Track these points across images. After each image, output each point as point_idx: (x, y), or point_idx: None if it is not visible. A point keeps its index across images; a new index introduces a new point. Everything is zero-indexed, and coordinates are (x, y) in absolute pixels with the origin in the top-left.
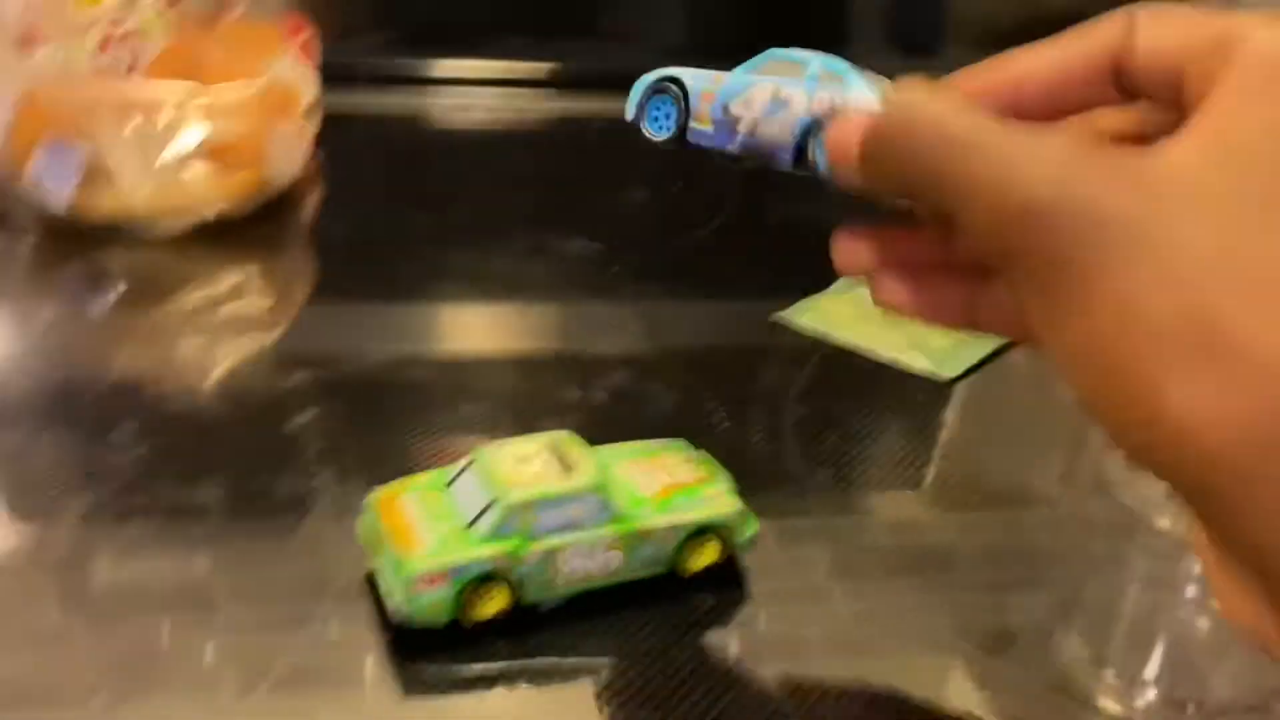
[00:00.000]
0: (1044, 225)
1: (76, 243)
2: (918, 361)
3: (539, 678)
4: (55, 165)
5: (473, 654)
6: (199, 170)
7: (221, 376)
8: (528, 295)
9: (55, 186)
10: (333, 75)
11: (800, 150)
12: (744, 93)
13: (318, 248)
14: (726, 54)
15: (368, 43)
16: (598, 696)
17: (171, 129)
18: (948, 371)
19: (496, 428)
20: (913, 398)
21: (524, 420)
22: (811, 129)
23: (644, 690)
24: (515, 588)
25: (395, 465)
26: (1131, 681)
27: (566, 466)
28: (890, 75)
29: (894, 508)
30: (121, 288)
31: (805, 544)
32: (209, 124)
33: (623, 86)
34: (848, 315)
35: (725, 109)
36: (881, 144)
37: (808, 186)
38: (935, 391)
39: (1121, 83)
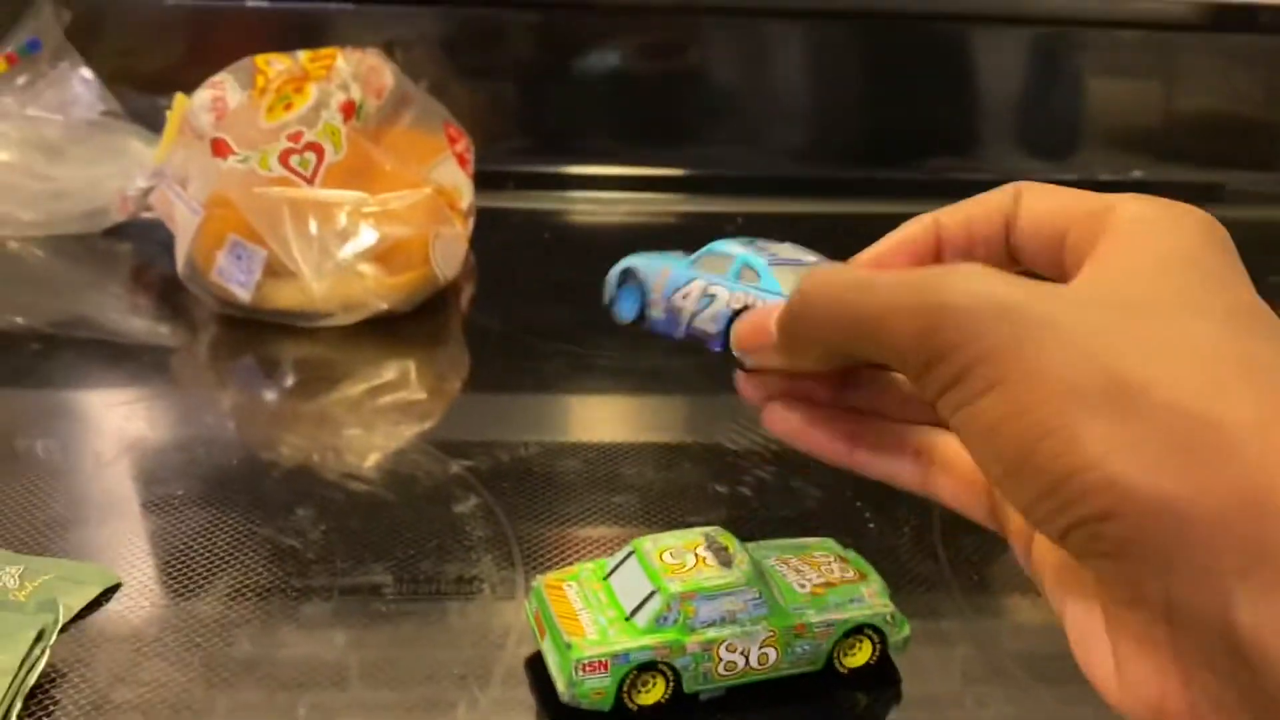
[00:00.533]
0: (962, 323)
1: (255, 334)
2: None
3: None
4: (239, 262)
5: None
6: (369, 270)
7: (383, 462)
8: (673, 389)
9: (239, 281)
10: (484, 178)
11: (726, 339)
12: (683, 287)
13: (473, 342)
14: (859, 159)
15: (514, 148)
16: None
17: (346, 232)
18: None
19: (647, 519)
20: None
21: (673, 512)
22: (732, 321)
23: None
24: (674, 677)
25: (553, 553)
26: None
27: (723, 561)
28: (1018, 177)
29: (1044, 610)
30: (295, 377)
31: (956, 647)
32: (380, 229)
33: (753, 190)
34: None
35: (669, 301)
36: (796, 321)
37: None
38: None
39: (1009, 246)
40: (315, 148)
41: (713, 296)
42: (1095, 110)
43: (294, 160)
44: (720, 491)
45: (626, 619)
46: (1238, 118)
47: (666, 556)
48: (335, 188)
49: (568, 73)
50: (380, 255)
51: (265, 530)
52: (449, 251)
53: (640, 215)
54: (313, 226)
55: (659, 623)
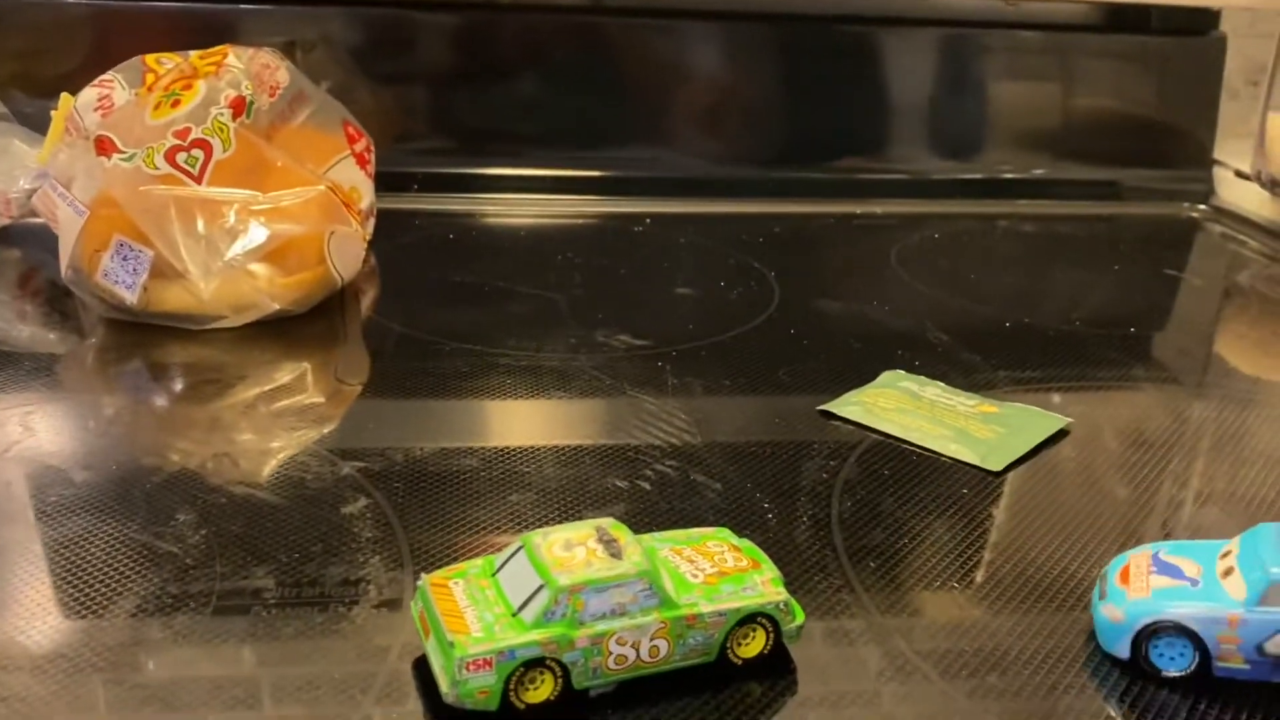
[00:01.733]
0: None
1: (144, 338)
2: (964, 454)
3: None
4: (125, 264)
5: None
6: (261, 269)
7: (278, 468)
8: (575, 389)
9: (125, 284)
10: (389, 180)
11: None
12: (1275, 635)
13: (372, 343)
14: (769, 160)
15: (419, 149)
16: None
17: (235, 231)
18: (994, 464)
19: (544, 517)
20: (959, 490)
21: (571, 510)
22: None
23: None
24: (563, 673)
25: (444, 554)
26: None
27: (614, 553)
28: (927, 176)
29: (944, 606)
30: (184, 381)
31: (853, 638)
32: (270, 227)
33: (667, 191)
34: (892, 407)
35: (1260, 649)
36: None
37: (852, 283)
38: (982, 483)
39: None
40: (203, 145)
41: None
42: (998, 111)
43: (181, 158)
44: (620, 486)
45: (514, 615)
46: (1133, 117)
47: (556, 550)
48: (225, 186)
49: (474, 75)
50: (272, 255)
51: (143, 537)
52: (345, 251)
53: (548, 217)
54: (200, 225)
55: (547, 617)
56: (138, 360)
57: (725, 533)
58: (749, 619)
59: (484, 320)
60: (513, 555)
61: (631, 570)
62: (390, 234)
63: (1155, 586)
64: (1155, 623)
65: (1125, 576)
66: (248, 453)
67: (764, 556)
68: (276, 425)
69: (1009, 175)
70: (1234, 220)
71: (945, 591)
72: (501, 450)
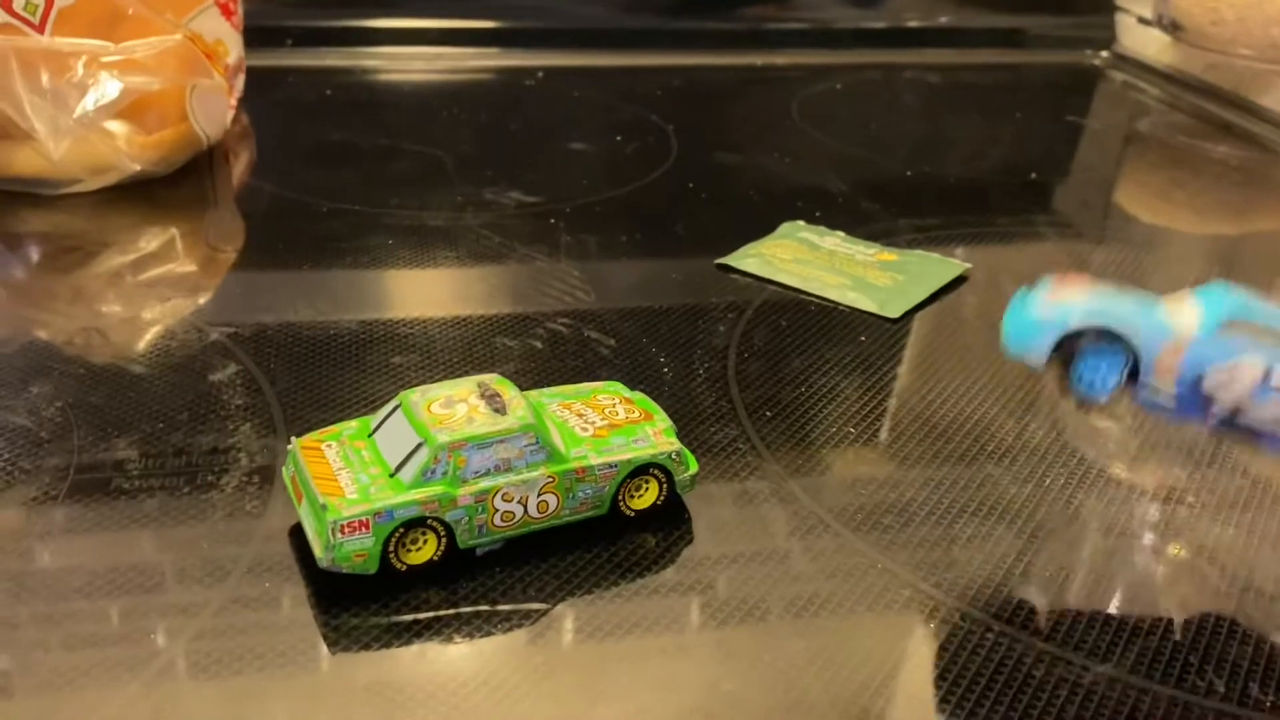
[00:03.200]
0: None
1: None
2: (861, 302)
3: (473, 624)
4: None
5: (405, 602)
6: (118, 128)
7: (142, 337)
8: (462, 248)
9: None
10: (260, 35)
11: None
12: (1224, 367)
13: (245, 206)
14: (667, 10)
15: (294, 1)
16: (532, 642)
17: (84, 85)
18: (891, 311)
19: (427, 379)
20: (856, 338)
21: (457, 371)
22: None
23: (583, 632)
24: (446, 533)
25: (320, 419)
26: (1089, 629)
27: (497, 408)
28: (831, 25)
29: (843, 457)
30: (39, 250)
31: (754, 497)
32: (124, 80)
33: (561, 43)
34: (790, 259)
35: (1196, 382)
36: None
37: (752, 136)
38: (880, 331)
39: None
40: None
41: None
42: None
43: (19, 4)
44: (510, 345)
45: (391, 475)
46: None
47: (435, 408)
48: (72, 37)
49: None
50: (129, 111)
51: None
52: (210, 107)
53: (433, 72)
54: (45, 79)
55: (426, 476)
56: None
57: (617, 386)
58: (641, 470)
59: (364, 180)
60: (390, 415)
61: (515, 425)
62: (263, 92)
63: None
64: (1078, 331)
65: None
66: (109, 323)
67: (656, 408)
68: (141, 294)
69: (914, 24)
70: (1135, 67)
71: (843, 442)
72: (383, 313)
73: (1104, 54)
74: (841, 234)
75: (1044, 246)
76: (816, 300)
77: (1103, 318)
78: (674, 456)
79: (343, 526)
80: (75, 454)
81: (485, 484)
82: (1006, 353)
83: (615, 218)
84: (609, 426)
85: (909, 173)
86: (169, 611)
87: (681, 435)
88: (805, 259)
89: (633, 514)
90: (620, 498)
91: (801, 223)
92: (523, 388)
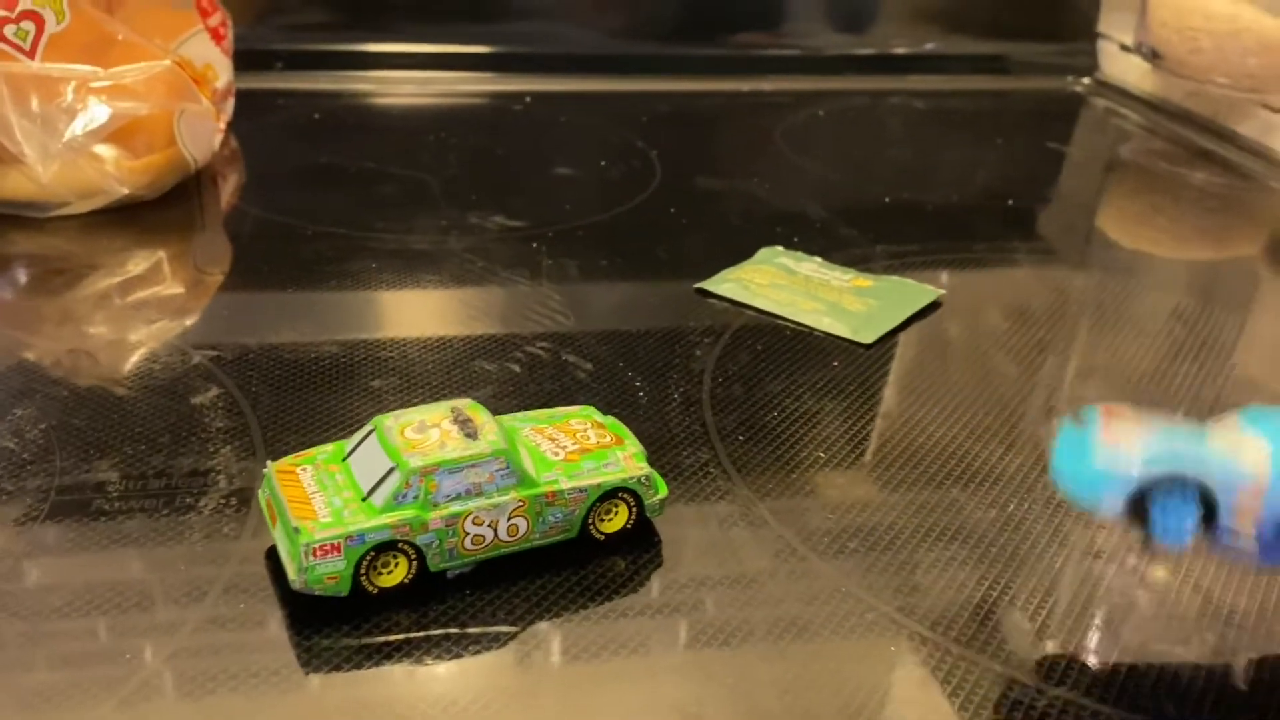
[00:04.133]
0: None
1: None
2: (836, 327)
3: (442, 647)
4: None
5: (377, 624)
6: (107, 152)
7: (126, 359)
8: (445, 272)
9: None
10: (250, 58)
11: None
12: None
13: (233, 229)
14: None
15: (283, 24)
16: (502, 664)
17: (74, 109)
18: (865, 337)
19: (407, 403)
20: (829, 364)
21: (436, 395)
22: None
23: (554, 655)
24: (418, 556)
25: (300, 442)
26: (1074, 653)
27: (469, 433)
28: (822, 51)
29: (813, 481)
30: (26, 273)
31: (723, 519)
32: (113, 105)
33: (550, 68)
34: (767, 284)
35: (1277, 524)
36: None
37: (735, 161)
38: (853, 357)
39: None
40: (33, 16)
41: None
42: None
43: (9, 31)
44: (488, 369)
45: (364, 499)
46: None
47: (409, 432)
48: (62, 62)
49: None
50: (118, 135)
51: None
52: (197, 131)
53: (421, 96)
54: (35, 104)
55: (398, 500)
56: None
57: (590, 410)
58: (611, 494)
59: (350, 203)
60: (364, 439)
61: (487, 449)
62: (251, 115)
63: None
64: (1148, 482)
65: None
66: (95, 345)
67: (627, 432)
68: (127, 317)
69: (900, 50)
70: (1117, 94)
71: (816, 466)
72: (364, 336)
73: (1086, 81)
74: (819, 259)
75: (1022, 271)
76: (792, 325)
77: (1175, 464)
78: (643, 481)
79: (315, 549)
80: (57, 475)
81: (456, 508)
82: (1071, 501)
83: (597, 242)
84: (580, 451)
85: (887, 199)
86: (147, 631)
87: (654, 459)
88: (782, 284)
89: (602, 537)
90: (590, 521)
91: (780, 248)
92: (500, 411)
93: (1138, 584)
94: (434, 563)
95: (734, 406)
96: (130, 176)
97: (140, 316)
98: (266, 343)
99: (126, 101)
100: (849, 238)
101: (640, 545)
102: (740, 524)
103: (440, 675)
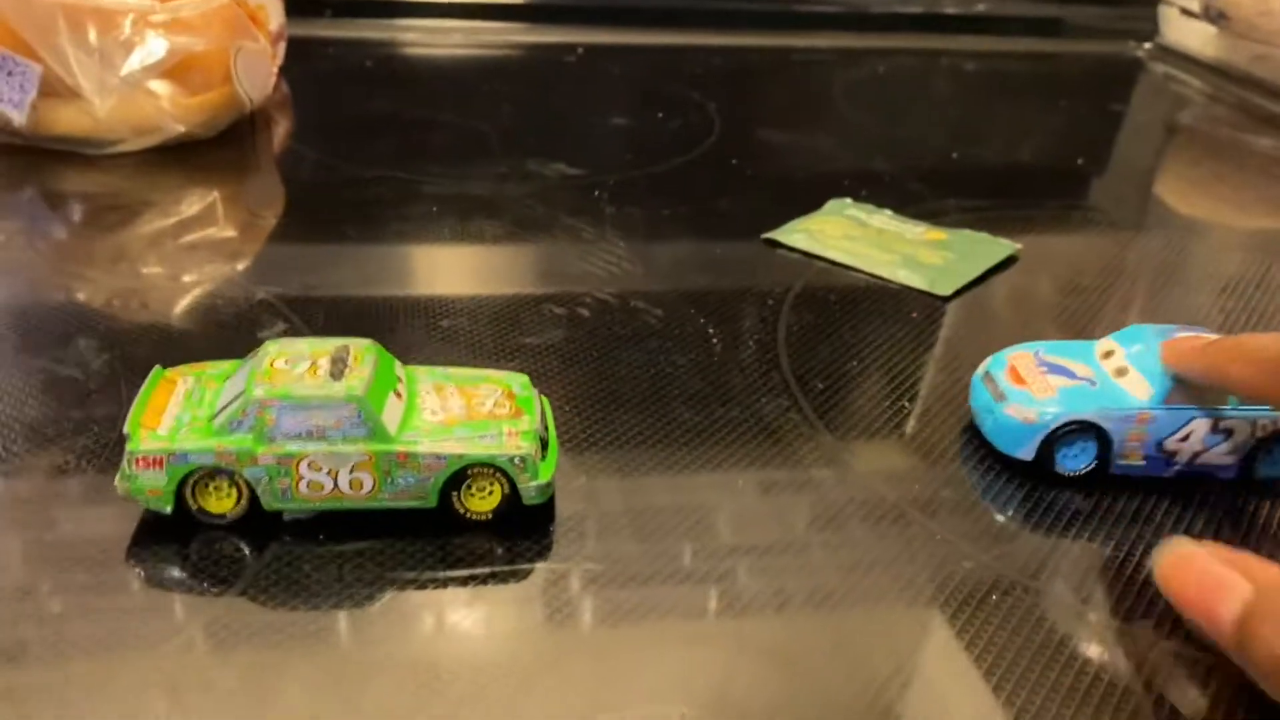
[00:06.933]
0: None
1: (37, 164)
2: (912, 279)
3: (471, 606)
4: (11, 79)
5: (401, 576)
6: (162, 88)
7: (187, 295)
8: (506, 217)
9: (12, 102)
10: (299, 4)
11: (1244, 466)
12: (1179, 429)
13: (287, 172)
14: None
15: None
16: (530, 626)
17: (131, 43)
18: (943, 289)
19: (473, 343)
20: (907, 315)
21: (504, 335)
22: (1258, 449)
23: (598, 615)
24: (248, 489)
25: None
26: (1117, 622)
27: (335, 373)
28: (867, 9)
29: (901, 431)
30: (82, 210)
31: (817, 470)
32: (170, 39)
33: (600, 19)
34: (838, 235)
35: (1159, 445)
36: None
37: (795, 115)
38: (931, 308)
39: None
40: None
41: (1228, 432)
42: None
43: None
44: (558, 313)
45: (210, 420)
46: None
47: (280, 362)
48: None
49: None
50: (174, 72)
51: (40, 362)
52: (254, 70)
53: (471, 46)
54: (92, 37)
55: (232, 427)
56: (30, 188)
57: (516, 379)
58: (486, 472)
59: (405, 150)
60: (248, 360)
61: (338, 393)
62: (302, 62)
63: (1058, 386)
64: (1071, 423)
65: (1018, 377)
66: (152, 281)
67: (535, 410)
68: (185, 255)
69: (951, 10)
70: (1178, 59)
71: (901, 416)
72: (428, 278)
73: (1146, 46)
74: (889, 212)
75: (1088, 231)
76: (866, 277)
77: (1072, 409)
78: (516, 461)
79: (138, 459)
80: (123, 404)
81: (291, 448)
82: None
83: (659, 191)
84: (463, 418)
85: (954, 155)
86: (215, 576)
87: (732, 406)
88: (854, 235)
89: (470, 515)
90: (457, 495)
91: (849, 200)
92: (569, 356)
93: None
94: (266, 500)
95: (811, 356)
96: (186, 114)
97: (198, 255)
98: (330, 282)
99: (184, 36)
100: (918, 192)
101: (511, 529)
102: (824, 468)
103: (469, 636)
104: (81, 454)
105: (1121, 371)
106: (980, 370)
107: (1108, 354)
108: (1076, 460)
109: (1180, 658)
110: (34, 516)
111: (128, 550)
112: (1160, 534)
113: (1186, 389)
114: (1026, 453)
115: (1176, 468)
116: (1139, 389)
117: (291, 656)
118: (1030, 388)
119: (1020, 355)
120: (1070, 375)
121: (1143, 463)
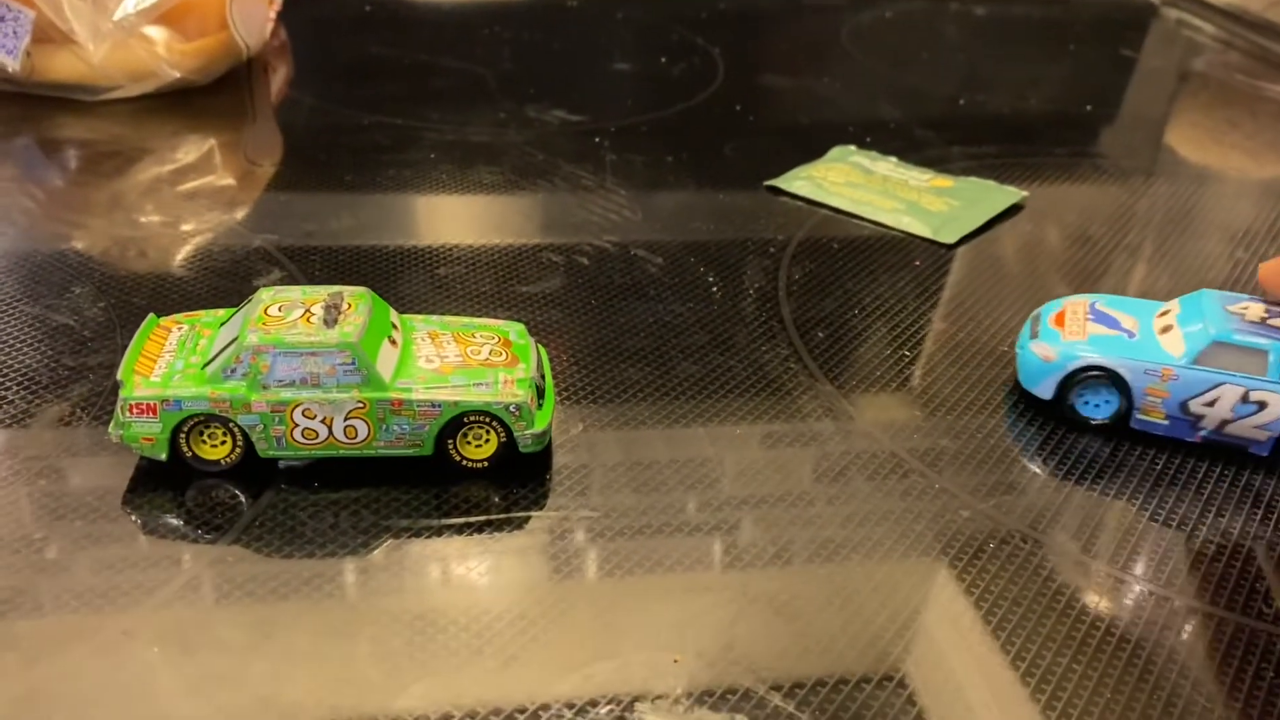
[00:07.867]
0: None
1: (31, 110)
2: (915, 227)
3: (477, 557)
4: (3, 25)
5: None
6: (158, 34)
7: (185, 242)
8: (505, 163)
9: (5, 48)
10: None
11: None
12: (1206, 393)
13: (285, 118)
14: None
15: None
16: (537, 577)
17: None
18: (947, 237)
19: (472, 290)
20: (910, 262)
21: (503, 283)
22: None
23: (606, 568)
24: (243, 436)
25: None
26: (1120, 572)
27: (329, 320)
28: None
29: (902, 379)
30: (78, 156)
31: (816, 419)
32: None
33: None
34: (841, 182)
35: (1183, 406)
36: None
37: (801, 61)
38: (935, 256)
39: None
40: None
41: (1261, 404)
42: None
43: None
44: (555, 260)
45: (203, 368)
46: None
47: (274, 309)
48: None
49: None
50: (170, 17)
51: (34, 309)
52: (250, 15)
53: None
54: None
55: (225, 374)
56: (25, 135)
57: (514, 328)
58: (481, 419)
59: (405, 95)
60: (241, 307)
61: (333, 340)
62: (301, 6)
63: (1092, 333)
64: (1089, 366)
65: (1060, 320)
66: (149, 228)
67: (530, 358)
68: (181, 202)
69: None
70: (1191, 4)
71: (901, 364)
72: (427, 224)
73: None
74: (894, 159)
75: (1098, 177)
76: (869, 224)
77: (1099, 357)
78: (512, 409)
79: (131, 406)
80: (119, 353)
81: (285, 395)
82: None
83: (661, 138)
84: (461, 365)
85: (962, 101)
86: (196, 520)
87: (732, 354)
88: (858, 183)
89: (466, 463)
90: (453, 443)
91: (853, 147)
92: (568, 305)
93: (1189, 504)
94: (261, 448)
95: (812, 303)
96: (181, 60)
97: (195, 202)
98: (327, 228)
99: None
100: (924, 139)
101: (506, 476)
102: (826, 419)
103: (474, 585)
104: (78, 402)
105: (1166, 329)
106: (1036, 310)
107: (1164, 313)
108: (1098, 410)
109: (1180, 608)
110: (30, 464)
111: (124, 497)
112: (1174, 493)
113: (1225, 354)
114: (1043, 390)
115: (1203, 433)
116: (1175, 346)
117: (288, 603)
118: (1064, 330)
119: (1076, 302)
120: (1114, 325)
121: (1165, 422)
